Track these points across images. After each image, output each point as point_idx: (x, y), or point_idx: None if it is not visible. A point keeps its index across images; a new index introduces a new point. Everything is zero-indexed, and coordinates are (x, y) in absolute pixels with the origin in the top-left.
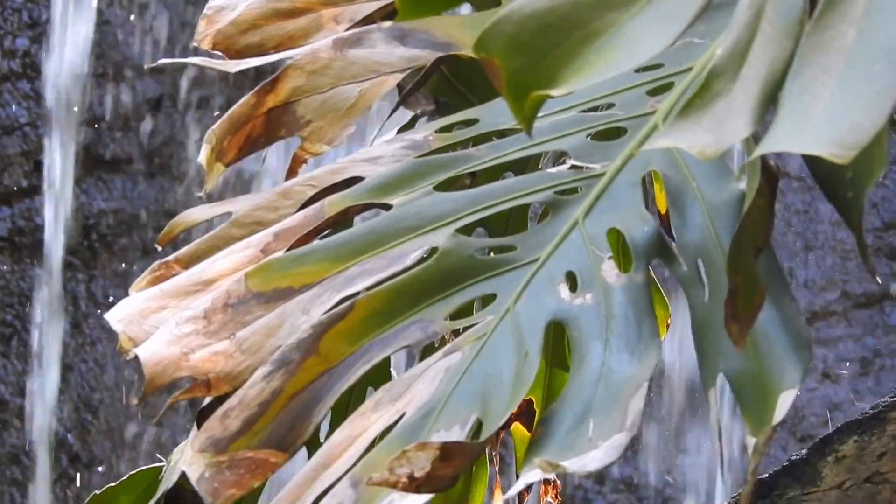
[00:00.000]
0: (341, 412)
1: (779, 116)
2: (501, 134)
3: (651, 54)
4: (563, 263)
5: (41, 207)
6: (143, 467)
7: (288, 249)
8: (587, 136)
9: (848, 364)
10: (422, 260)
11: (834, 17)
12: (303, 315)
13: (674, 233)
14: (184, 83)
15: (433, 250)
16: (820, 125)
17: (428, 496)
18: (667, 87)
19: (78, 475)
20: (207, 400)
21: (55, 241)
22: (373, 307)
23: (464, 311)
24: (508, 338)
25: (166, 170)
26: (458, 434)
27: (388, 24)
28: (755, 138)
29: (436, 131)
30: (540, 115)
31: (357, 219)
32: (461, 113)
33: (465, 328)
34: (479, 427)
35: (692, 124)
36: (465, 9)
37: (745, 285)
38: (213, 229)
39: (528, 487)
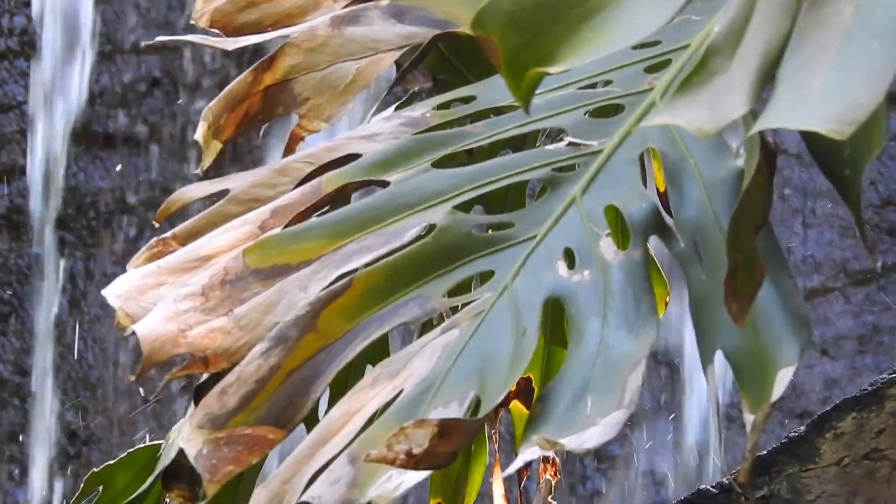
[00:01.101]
0: (339, 388)
1: (776, 93)
2: (499, 111)
3: (648, 31)
4: (560, 240)
5: (38, 185)
6: (142, 445)
7: (285, 226)
8: (585, 114)
9: (846, 341)
10: (419, 237)
11: None
12: (300, 292)
13: (671, 210)
14: (181, 61)
15: (431, 227)
16: (818, 102)
17: (426, 473)
18: (664, 65)
19: (76, 453)
20: (205, 376)
21: (52, 218)
22: (371, 284)
23: (462, 288)
24: (506, 314)
25: (164, 147)
26: (456, 411)
27: (385, 1)
28: (753, 115)
29: (433, 108)
30: (537, 92)
31: (355, 196)
32: (459, 90)
33: (463, 305)
34: (477, 404)
35: (690, 101)
36: None
37: (744, 263)
38: (211, 206)
39: (528, 465)
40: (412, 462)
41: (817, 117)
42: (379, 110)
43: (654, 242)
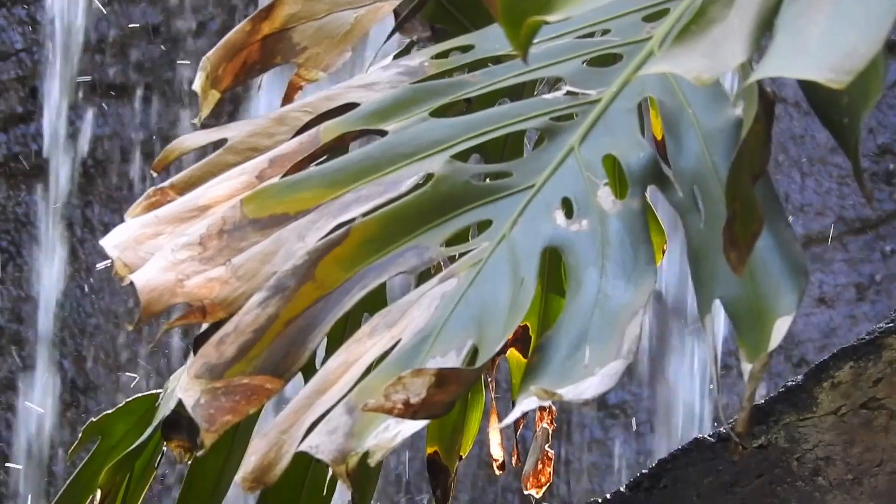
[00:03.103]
0: (337, 339)
1: (774, 42)
2: (497, 60)
3: None
4: (558, 190)
5: (37, 133)
6: (140, 394)
7: (283, 176)
8: (583, 63)
9: (844, 289)
10: (417, 186)
11: None
12: (298, 241)
13: (669, 159)
14: (181, 9)
15: (429, 176)
16: (816, 50)
17: (424, 422)
18: (663, 13)
19: (74, 401)
20: (205, 326)
21: (51, 167)
22: (368, 233)
23: (459, 238)
24: (504, 264)
25: (162, 96)
26: (453, 360)
27: None
28: (751, 64)
29: (431, 57)
30: (535, 41)
31: (353, 145)
32: (457, 39)
33: (461, 254)
34: (474, 353)
35: (688, 50)
36: None
37: (743, 212)
38: (209, 155)
39: (525, 414)
40: (409, 411)
41: (815, 66)
42: (377, 59)
43: (651, 192)
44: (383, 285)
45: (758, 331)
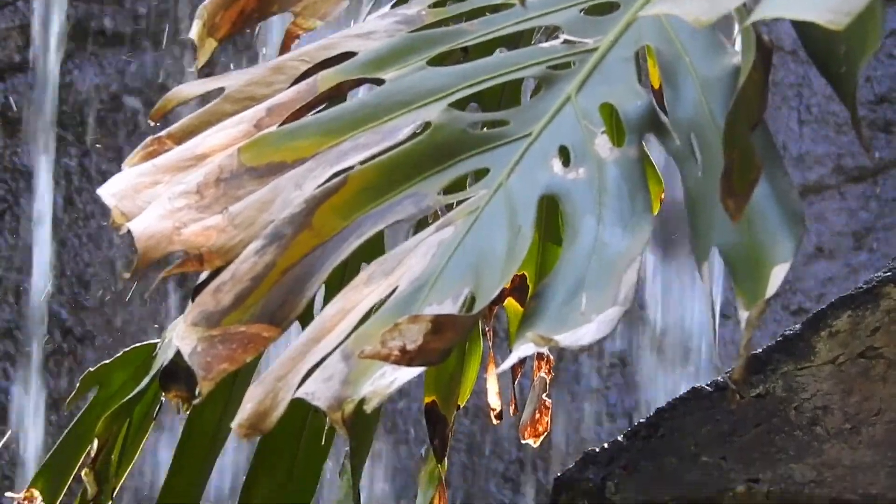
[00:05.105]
0: (335, 287)
1: None
2: (494, 9)
3: None
4: (555, 138)
5: (34, 83)
6: (138, 344)
7: (281, 124)
8: (580, 11)
9: (842, 238)
10: (415, 135)
11: None
12: (295, 189)
13: (667, 108)
14: None
15: (426, 125)
16: None
17: (420, 369)
18: None
19: (71, 350)
20: (204, 275)
21: (48, 116)
22: (365, 181)
23: (457, 186)
24: (501, 212)
25: (160, 45)
26: (450, 307)
27: None
28: (747, 9)
29: (429, 6)
30: None
31: (350, 94)
32: None
33: (458, 202)
34: (471, 301)
35: None
36: None
37: (740, 161)
38: (206, 105)
39: (522, 362)
40: (406, 358)
41: (813, 7)
42: (375, 8)
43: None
44: (381, 233)
45: (755, 278)
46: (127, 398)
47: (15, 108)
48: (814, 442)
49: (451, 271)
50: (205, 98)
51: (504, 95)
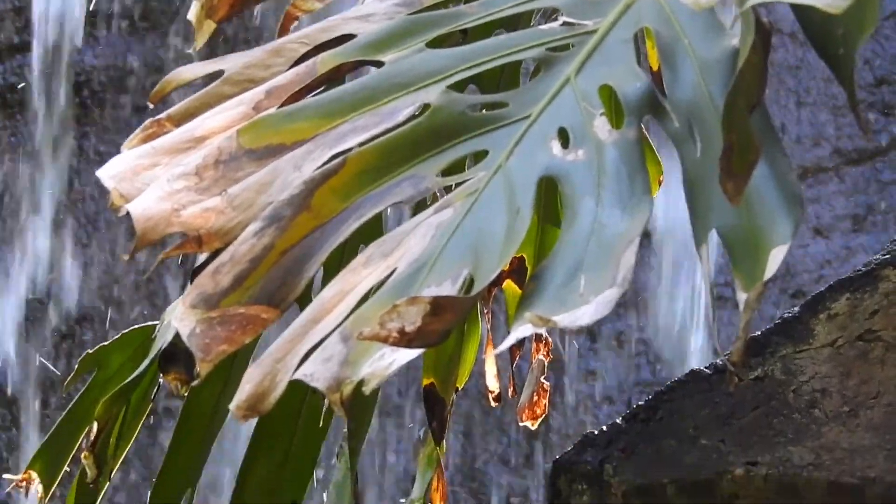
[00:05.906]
0: (333, 269)
1: None
2: None
3: None
4: (555, 120)
5: (33, 64)
6: (136, 326)
7: (280, 106)
8: None
9: (840, 220)
10: (413, 116)
11: None
12: (294, 171)
13: (665, 90)
14: None
15: (425, 107)
16: None
17: (418, 351)
18: None
19: (69, 332)
20: (203, 257)
21: (47, 98)
22: (364, 163)
23: (456, 168)
24: (500, 194)
25: (159, 26)
26: (449, 289)
27: None
28: None
29: None
30: None
31: (349, 76)
32: None
33: (457, 184)
34: (470, 283)
35: None
36: None
37: (739, 142)
38: (205, 87)
39: (520, 344)
40: (404, 340)
41: None
42: None
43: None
44: (379, 215)
45: (753, 260)
46: (126, 380)
47: (14, 89)
48: (812, 425)
49: (450, 253)
50: (204, 80)
51: (503, 77)
